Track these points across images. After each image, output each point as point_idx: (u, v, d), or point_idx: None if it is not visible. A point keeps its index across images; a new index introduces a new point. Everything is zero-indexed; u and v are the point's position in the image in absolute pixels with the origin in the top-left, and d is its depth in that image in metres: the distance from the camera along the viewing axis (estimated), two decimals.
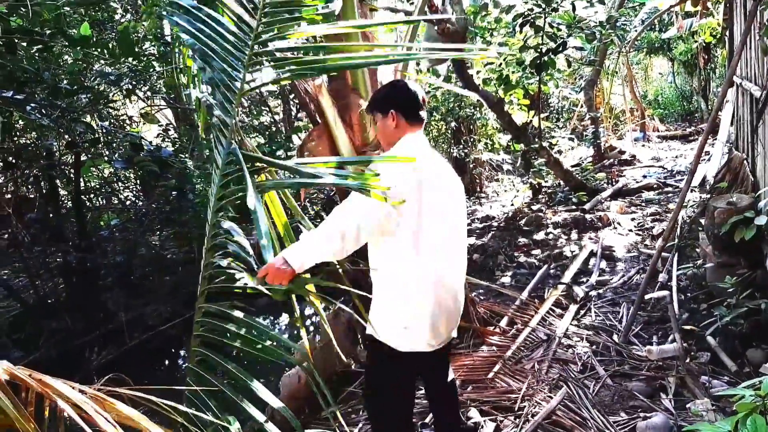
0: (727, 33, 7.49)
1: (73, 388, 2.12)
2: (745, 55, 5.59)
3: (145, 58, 6.14)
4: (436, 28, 5.38)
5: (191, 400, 2.77)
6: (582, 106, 11.81)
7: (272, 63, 2.80)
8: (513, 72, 7.86)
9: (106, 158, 6.24)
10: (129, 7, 7.82)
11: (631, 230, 6.88)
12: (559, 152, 9.95)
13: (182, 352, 5.81)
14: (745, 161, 5.82)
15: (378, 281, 2.38)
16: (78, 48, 4.66)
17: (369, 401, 2.69)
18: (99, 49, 5.10)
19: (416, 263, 2.28)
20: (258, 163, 2.57)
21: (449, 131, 10.24)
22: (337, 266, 2.35)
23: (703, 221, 5.21)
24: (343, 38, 3.63)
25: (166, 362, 5.76)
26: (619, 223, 7.08)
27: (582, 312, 4.84)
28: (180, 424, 2.70)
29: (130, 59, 5.85)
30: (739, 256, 4.32)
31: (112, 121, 7.36)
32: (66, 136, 5.23)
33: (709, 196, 6.33)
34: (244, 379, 2.33)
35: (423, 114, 2.47)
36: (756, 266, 4.13)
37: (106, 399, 2.17)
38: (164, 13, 5.09)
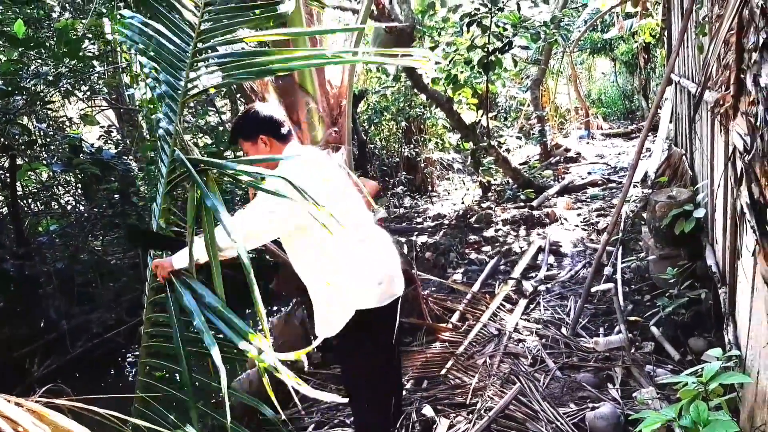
0: (666, 33, 7.74)
1: (8, 401, 2.02)
2: (682, 54, 5.79)
3: (85, 58, 5.93)
4: (384, 28, 5.39)
5: (143, 412, 2.69)
6: (528, 105, 12.03)
7: (214, 68, 2.78)
8: (461, 71, 7.94)
9: (44, 161, 5.99)
10: (67, 5, 7.55)
11: (577, 226, 7.04)
12: (507, 151, 10.11)
13: (129, 361, 5.63)
14: (683, 156, 6.04)
15: (324, 265, 2.46)
16: (19, 48, 4.45)
17: (356, 383, 2.69)
18: (39, 49, 4.88)
19: (351, 232, 2.41)
20: (202, 165, 2.53)
21: (400, 131, 10.28)
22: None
23: (645, 215, 5.38)
24: (290, 42, 3.59)
25: (112, 371, 5.57)
26: (565, 219, 7.24)
27: (531, 306, 4.92)
28: None
29: (70, 59, 5.65)
30: (679, 248, 4.46)
31: (50, 123, 7.08)
32: (0, 139, 5.00)
33: (650, 191, 6.55)
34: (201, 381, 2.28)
35: (287, 128, 2.61)
36: (696, 257, 4.28)
37: (45, 412, 2.08)
38: (110, 20, 4.96)
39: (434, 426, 3.29)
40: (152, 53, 2.87)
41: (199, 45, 2.83)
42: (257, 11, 2.80)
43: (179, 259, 2.26)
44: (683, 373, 2.50)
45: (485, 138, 8.00)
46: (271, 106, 2.66)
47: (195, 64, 2.81)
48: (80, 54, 4.71)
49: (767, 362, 2.18)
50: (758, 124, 1.50)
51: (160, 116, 2.92)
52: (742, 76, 1.73)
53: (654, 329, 4.11)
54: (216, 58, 2.86)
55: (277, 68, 2.68)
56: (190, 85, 2.84)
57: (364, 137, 9.30)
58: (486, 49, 7.19)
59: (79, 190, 6.60)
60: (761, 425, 2.23)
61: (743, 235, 2.08)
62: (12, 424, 1.91)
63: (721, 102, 2.20)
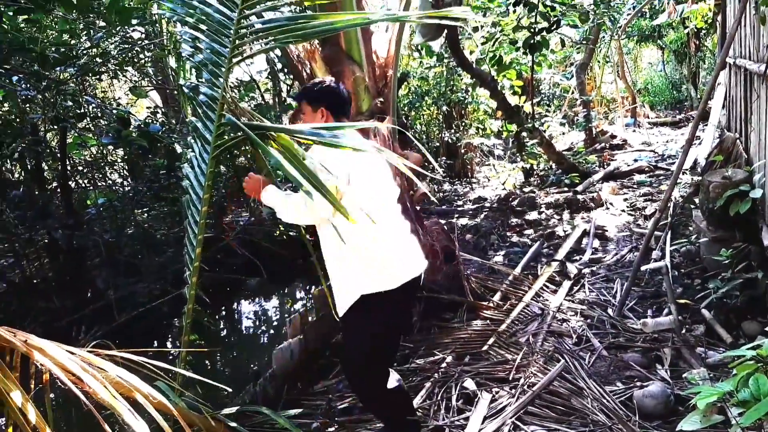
0: (719, 18, 7.47)
1: (60, 348, 2.05)
2: (738, 34, 5.57)
3: (133, 35, 6.03)
4: (430, 0, 5.32)
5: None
6: (573, 92, 11.78)
7: (258, 34, 2.80)
8: (506, 53, 7.80)
9: (92, 136, 6.11)
10: None
11: (623, 210, 6.87)
12: (551, 137, 9.93)
13: (173, 331, 5.73)
14: (738, 140, 5.82)
15: (355, 248, 2.55)
16: (74, 12, 4.53)
17: (356, 359, 2.71)
18: (93, 18, 4.97)
19: (379, 218, 2.53)
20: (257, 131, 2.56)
21: (441, 116, 10.18)
22: None
23: (696, 199, 5.21)
24: (337, 6, 3.56)
25: (155, 342, 5.68)
26: (611, 204, 7.07)
27: (576, 288, 4.82)
28: (175, 389, 2.66)
29: (119, 35, 5.73)
30: (733, 230, 4.30)
31: (99, 99, 7.22)
32: (51, 111, 5.11)
33: (700, 177, 6.34)
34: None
35: (347, 109, 2.78)
36: (750, 240, 4.12)
37: (95, 360, 2.11)
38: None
39: (476, 399, 3.25)
40: (195, 22, 2.92)
41: (245, 12, 2.85)
42: None
43: (267, 195, 2.62)
44: (741, 348, 2.40)
45: (529, 120, 7.86)
46: (343, 89, 2.78)
47: (240, 30, 2.83)
48: (130, 23, 4.78)
49: None
50: None
51: (199, 83, 2.98)
52: None
53: (705, 312, 3.97)
54: (261, 24, 2.88)
55: (320, 30, 2.67)
56: (235, 52, 2.88)
57: (405, 121, 9.25)
58: (532, 30, 7.05)
59: (125, 166, 6.72)
60: None
61: None
62: (65, 372, 1.93)
63: None
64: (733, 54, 5.99)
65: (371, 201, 2.54)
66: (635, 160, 9.48)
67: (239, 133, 2.72)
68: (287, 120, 6.48)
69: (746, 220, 4.20)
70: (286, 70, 7.24)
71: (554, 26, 6.90)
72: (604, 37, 12.83)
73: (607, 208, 6.96)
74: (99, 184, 6.71)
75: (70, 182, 5.99)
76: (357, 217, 2.43)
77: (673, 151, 9.82)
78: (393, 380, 2.79)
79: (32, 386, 1.91)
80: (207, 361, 5.06)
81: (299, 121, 3.01)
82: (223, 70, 2.85)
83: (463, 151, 10.19)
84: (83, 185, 6.61)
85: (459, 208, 7.84)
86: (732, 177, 4.41)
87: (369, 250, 2.56)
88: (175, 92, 9.02)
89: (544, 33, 7.00)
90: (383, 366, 2.76)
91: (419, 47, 8.63)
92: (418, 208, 4.65)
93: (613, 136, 11.11)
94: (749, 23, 4.99)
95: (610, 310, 4.31)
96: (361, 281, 2.56)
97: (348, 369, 2.81)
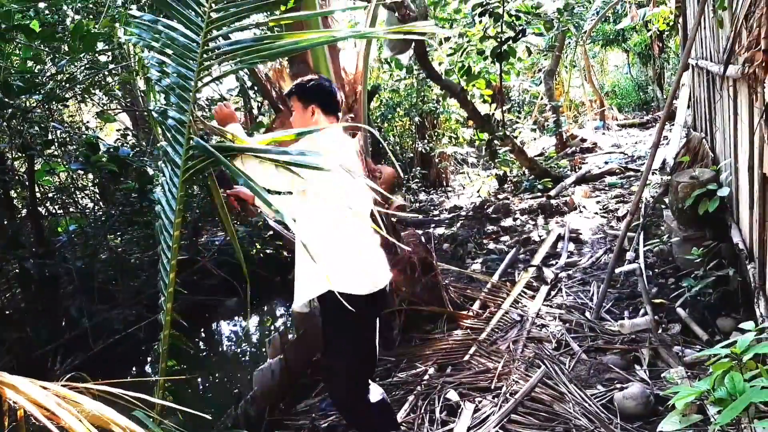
0: (681, 19, 7.64)
1: (34, 385, 2.01)
2: (699, 36, 5.71)
3: (99, 59, 5.96)
4: (396, 15, 5.36)
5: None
6: (542, 98, 11.94)
7: (223, 56, 2.80)
8: (474, 63, 7.89)
9: (61, 162, 6.02)
10: (80, 10, 7.60)
11: (596, 213, 6.96)
12: (522, 143, 10.04)
13: (149, 358, 5.65)
14: (703, 140, 5.94)
15: (325, 245, 2.59)
16: (36, 42, 4.47)
17: (336, 363, 2.74)
18: (54, 45, 4.91)
19: (350, 222, 2.63)
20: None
21: (413, 126, 10.24)
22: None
23: (666, 199, 5.30)
24: (303, 26, 3.57)
25: (134, 369, 5.59)
26: (584, 207, 7.16)
27: (553, 293, 4.86)
28: (153, 418, 2.61)
29: (85, 60, 5.64)
30: (703, 229, 4.39)
31: (67, 126, 7.12)
32: (18, 139, 5.02)
33: (669, 177, 6.45)
34: None
35: (337, 112, 2.84)
36: (721, 237, 4.20)
37: (68, 394, 2.07)
38: (121, 24, 4.98)
39: (459, 410, 3.25)
40: (161, 47, 2.90)
41: (210, 34, 2.84)
42: None
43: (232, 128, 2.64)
44: (716, 347, 2.44)
45: (500, 128, 7.94)
46: (337, 89, 2.82)
47: (206, 53, 2.82)
48: (95, 49, 4.73)
49: None
50: None
51: (166, 107, 2.95)
52: None
53: (680, 311, 4.03)
54: (227, 46, 2.88)
55: (286, 50, 2.67)
56: (203, 74, 2.87)
57: (378, 133, 9.28)
58: (499, 39, 7.14)
59: (96, 190, 6.62)
60: None
61: None
62: (39, 409, 1.89)
63: (750, 61, 2.14)
64: (696, 56, 6.13)
65: (349, 197, 2.58)
66: (606, 163, 9.63)
67: (207, 155, 2.70)
68: (263, 131, 6.45)
69: (715, 218, 4.28)
70: (256, 88, 7.23)
71: (520, 35, 7.00)
72: (569, 43, 13.05)
73: (581, 212, 7.05)
74: (70, 210, 6.61)
75: (40, 209, 5.89)
76: (338, 209, 2.51)
77: (643, 152, 9.99)
78: (376, 394, 2.79)
79: (6, 424, 1.87)
80: (188, 385, 4.99)
81: (288, 120, 3.03)
82: (191, 93, 2.83)
83: (437, 160, 10.25)
84: (54, 212, 6.50)
85: (435, 218, 7.87)
86: (699, 176, 4.50)
87: (344, 246, 2.59)
88: (145, 113, 8.95)
89: (511, 42, 7.09)
90: (364, 378, 2.77)
91: (389, 60, 8.68)
92: (394, 219, 4.66)
93: (583, 140, 11.27)
94: (709, 25, 5.11)
95: (587, 313, 4.35)
96: (330, 276, 2.56)
97: (331, 384, 2.80)
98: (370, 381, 2.87)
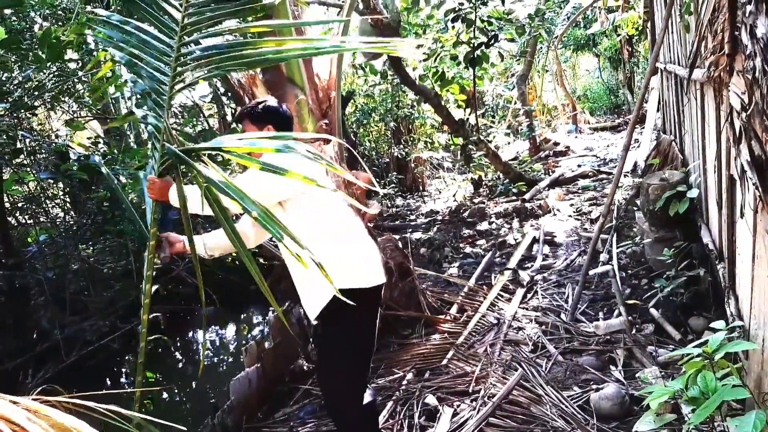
0: (649, 24, 7.79)
1: (4, 398, 1.96)
2: (667, 41, 5.82)
3: (67, 62, 5.86)
4: (369, 20, 5.37)
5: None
6: (516, 102, 12.06)
7: (197, 62, 2.76)
8: (448, 68, 7.94)
9: (30, 171, 5.91)
10: (48, 16, 7.48)
11: (570, 216, 7.04)
12: (497, 147, 10.12)
13: (124, 369, 5.56)
14: (673, 142, 6.06)
15: (317, 242, 2.47)
16: (1, 51, 4.39)
17: (332, 369, 2.67)
18: (21, 53, 4.82)
19: (335, 221, 2.61)
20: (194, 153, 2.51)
21: (389, 131, 10.27)
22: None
23: (638, 201, 5.38)
24: (276, 35, 3.56)
25: (108, 380, 5.49)
26: (558, 210, 7.24)
27: (529, 295, 4.90)
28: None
29: (54, 67, 5.56)
30: (674, 230, 4.46)
31: (36, 135, 6.99)
32: None
33: (641, 179, 6.56)
34: None
35: (292, 128, 2.83)
36: (691, 238, 4.28)
37: (40, 408, 2.02)
38: (90, 27, 4.89)
39: (438, 415, 3.25)
40: (133, 50, 2.84)
41: (184, 38, 2.81)
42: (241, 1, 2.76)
43: (174, 195, 2.46)
44: (688, 346, 2.48)
45: (475, 132, 8.00)
46: (286, 108, 2.82)
47: (180, 58, 2.78)
48: (63, 57, 4.65)
49: None
50: (756, 75, 1.49)
51: (146, 113, 2.89)
52: (736, 33, 1.72)
53: (653, 311, 4.09)
54: (201, 51, 2.84)
55: (265, 59, 2.65)
56: (177, 79, 2.83)
57: (354, 139, 9.28)
58: (472, 44, 7.20)
59: (67, 199, 6.50)
60: None
61: (745, 194, 2.06)
62: (8, 424, 1.85)
63: (715, 65, 2.19)
64: (664, 60, 6.25)
65: (326, 200, 2.58)
66: (579, 166, 9.75)
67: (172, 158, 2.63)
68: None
69: (686, 219, 4.36)
70: (229, 94, 7.19)
71: (492, 41, 7.07)
72: (541, 48, 13.21)
73: (555, 215, 7.13)
74: (40, 219, 6.48)
75: (9, 219, 5.76)
76: (325, 207, 2.52)
77: (614, 155, 10.15)
78: (367, 395, 2.75)
79: None
80: (165, 395, 4.92)
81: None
82: (165, 98, 2.79)
83: (413, 165, 10.30)
84: (23, 221, 6.37)
85: (412, 223, 7.89)
86: (669, 178, 4.58)
87: (338, 244, 2.56)
88: (116, 119, 8.81)
89: (484, 47, 7.15)
90: (362, 379, 2.72)
91: (363, 65, 8.70)
92: (371, 224, 4.66)
93: (556, 144, 11.41)
94: (676, 30, 5.22)
95: (563, 315, 4.39)
96: (331, 276, 2.51)
97: (326, 385, 2.73)
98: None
